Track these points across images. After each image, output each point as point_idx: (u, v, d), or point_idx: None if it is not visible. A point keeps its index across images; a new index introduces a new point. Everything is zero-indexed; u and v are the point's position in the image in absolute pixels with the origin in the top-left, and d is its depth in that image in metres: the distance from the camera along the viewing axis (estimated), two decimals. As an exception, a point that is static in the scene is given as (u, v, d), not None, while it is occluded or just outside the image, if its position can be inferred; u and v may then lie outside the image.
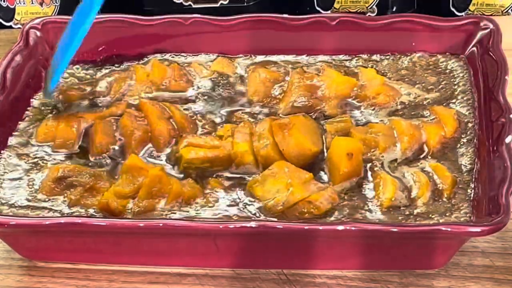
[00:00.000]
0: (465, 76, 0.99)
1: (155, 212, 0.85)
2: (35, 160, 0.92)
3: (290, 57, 1.04)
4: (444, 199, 0.85)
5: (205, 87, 1.01)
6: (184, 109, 0.97)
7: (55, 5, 1.23)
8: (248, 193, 0.87)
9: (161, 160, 0.92)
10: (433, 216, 0.83)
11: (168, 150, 0.92)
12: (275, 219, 0.83)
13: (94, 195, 0.87)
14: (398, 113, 0.95)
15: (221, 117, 0.97)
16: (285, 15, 1.03)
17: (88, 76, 1.04)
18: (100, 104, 0.99)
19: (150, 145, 0.93)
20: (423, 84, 0.99)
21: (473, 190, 0.85)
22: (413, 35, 1.02)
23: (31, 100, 1.00)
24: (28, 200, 0.88)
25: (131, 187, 0.86)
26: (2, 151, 0.93)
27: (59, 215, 0.85)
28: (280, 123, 0.89)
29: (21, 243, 0.86)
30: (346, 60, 1.03)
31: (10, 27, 1.25)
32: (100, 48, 1.04)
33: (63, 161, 0.92)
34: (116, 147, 0.93)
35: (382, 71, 1.01)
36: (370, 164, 0.88)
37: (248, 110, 0.97)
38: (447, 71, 1.00)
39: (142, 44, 1.05)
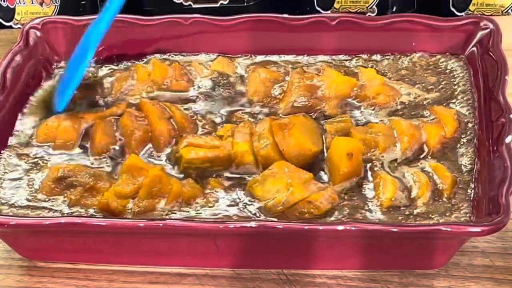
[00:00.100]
0: (465, 76, 0.98)
1: (155, 212, 0.85)
2: (35, 160, 0.92)
3: (290, 57, 1.04)
4: (444, 199, 0.85)
5: (206, 87, 1.01)
6: (185, 109, 0.97)
7: (55, 5, 1.23)
8: (248, 193, 0.86)
9: (161, 160, 0.91)
10: (433, 216, 0.83)
11: (168, 150, 0.92)
12: (275, 219, 0.83)
13: (94, 195, 0.87)
14: (398, 113, 0.95)
15: (221, 117, 0.97)
16: (285, 15, 1.03)
17: (90, 74, 1.03)
18: (101, 104, 0.99)
19: (150, 145, 0.93)
20: (423, 84, 0.99)
21: (473, 190, 0.85)
22: (413, 35, 1.02)
23: (31, 100, 1.00)
24: (28, 200, 0.88)
25: (131, 187, 0.86)
26: (2, 151, 0.93)
27: (59, 215, 0.85)
28: (280, 123, 0.89)
29: (21, 243, 0.86)
30: (346, 60, 1.03)
31: (10, 27, 1.25)
32: (101, 48, 1.03)
33: (63, 161, 0.92)
34: (116, 147, 0.93)
35: (382, 71, 1.01)
36: (370, 164, 0.88)
37: (248, 110, 0.97)
38: (447, 71, 1.00)
39: (142, 44, 1.05)
